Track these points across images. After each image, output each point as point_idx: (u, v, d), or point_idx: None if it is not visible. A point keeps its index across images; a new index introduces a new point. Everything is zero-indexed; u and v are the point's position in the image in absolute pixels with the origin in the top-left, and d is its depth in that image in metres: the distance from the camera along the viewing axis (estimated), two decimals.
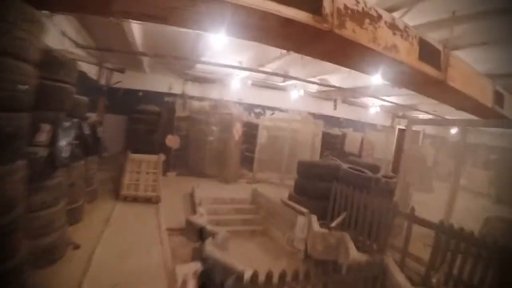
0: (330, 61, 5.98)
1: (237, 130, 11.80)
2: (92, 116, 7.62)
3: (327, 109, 17.45)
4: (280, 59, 10.70)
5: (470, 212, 9.38)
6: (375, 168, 9.80)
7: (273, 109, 16.17)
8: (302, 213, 7.65)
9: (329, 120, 17.13)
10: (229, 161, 11.75)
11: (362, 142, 16.30)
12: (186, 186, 10.08)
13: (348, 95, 15.01)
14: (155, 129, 12.53)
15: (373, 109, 17.19)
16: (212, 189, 10.31)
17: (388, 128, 19.37)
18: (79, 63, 9.07)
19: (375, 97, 13.58)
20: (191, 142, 12.75)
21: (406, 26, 5.75)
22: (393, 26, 5.48)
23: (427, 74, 6.35)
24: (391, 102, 14.39)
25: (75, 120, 5.25)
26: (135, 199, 7.95)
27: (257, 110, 15.76)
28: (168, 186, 9.74)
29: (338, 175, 8.73)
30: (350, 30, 4.71)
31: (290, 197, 9.10)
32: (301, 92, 13.92)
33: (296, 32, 4.48)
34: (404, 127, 10.16)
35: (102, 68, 10.76)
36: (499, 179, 15.51)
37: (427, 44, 6.24)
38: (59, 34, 7.23)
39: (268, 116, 15.85)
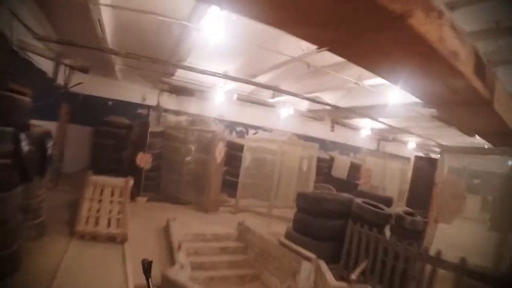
0: (368, 66, 4.54)
1: (220, 151, 10.18)
2: (40, 126, 5.77)
3: (313, 130, 16.13)
4: (271, 71, 9.30)
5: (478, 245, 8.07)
6: (388, 201, 8.45)
7: (256, 128, 14.66)
8: (308, 259, 6.12)
9: (314, 142, 15.71)
10: (209, 187, 10.08)
11: (359, 168, 14.91)
12: (159, 216, 8.36)
13: (342, 115, 13.68)
14: (125, 145, 10.72)
15: (364, 131, 15.90)
16: (191, 221, 8.65)
17: (376, 152, 18.21)
18: (36, 58, 7.34)
19: (373, 119, 12.23)
20: (165, 162, 11.05)
21: (462, 30, 4.34)
22: (454, 28, 4.02)
23: (477, 93, 5.03)
24: (388, 125, 13.09)
25: (7, 129, 3.51)
26: (94, 237, 6.05)
27: (239, 129, 14.20)
28: (138, 216, 7.97)
29: (350, 210, 7.26)
30: (419, 21, 3.24)
31: (288, 236, 7.60)
32: (291, 110, 12.40)
33: (354, 12, 2.98)
34: (422, 155, 9.01)
35: (60, 65, 8.86)
36: (489, 204, 14.56)
37: (478, 57, 4.88)
38: (8, 15, 5.42)
39: (251, 135, 14.34)
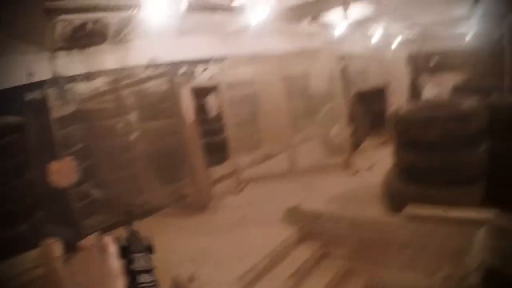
0: None
1: (188, 104, 6.10)
2: None
3: (270, 45, 12.19)
4: None
5: None
6: None
7: (205, 62, 10.41)
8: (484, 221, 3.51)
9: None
10: (190, 165, 6.03)
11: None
12: None
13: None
14: (25, 160, 6.21)
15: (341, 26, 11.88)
16: (202, 246, 4.76)
17: None
18: None
19: None
20: (98, 157, 6.74)
21: None
22: None
23: None
24: None
25: None
26: None
27: (182, 70, 9.83)
28: None
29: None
30: None
31: (396, 193, 4.52)
32: (266, 11, 8.10)
33: None
34: None
35: None
36: None
37: None
38: None
39: (202, 74, 10.22)
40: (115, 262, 0.85)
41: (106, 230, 5.71)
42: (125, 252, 0.95)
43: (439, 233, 3.56)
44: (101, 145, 6.70)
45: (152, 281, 0.87)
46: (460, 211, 3.65)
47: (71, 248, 4.23)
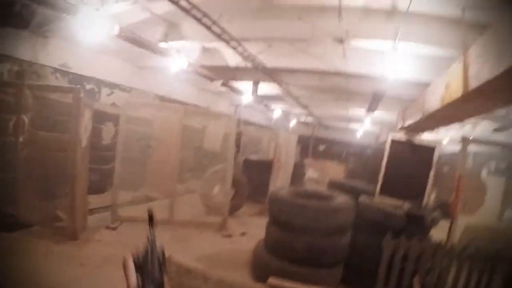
0: None
1: (86, 127, 6.11)
2: None
3: (178, 92, 12.84)
4: None
5: None
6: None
7: (112, 86, 10.34)
8: None
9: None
10: (73, 189, 5.87)
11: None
12: None
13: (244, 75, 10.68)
14: None
15: (246, 97, 12.93)
16: None
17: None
18: None
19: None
20: None
21: None
22: None
23: None
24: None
25: None
26: None
27: (88, 87, 9.60)
28: None
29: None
30: None
31: (264, 266, 5.08)
32: (184, 63, 8.57)
33: None
34: (398, 138, 7.26)
35: None
36: None
37: None
38: None
39: (106, 97, 10.12)
40: (132, 276, 0.91)
41: None
42: (140, 267, 0.96)
43: None
44: None
45: None
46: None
47: None
